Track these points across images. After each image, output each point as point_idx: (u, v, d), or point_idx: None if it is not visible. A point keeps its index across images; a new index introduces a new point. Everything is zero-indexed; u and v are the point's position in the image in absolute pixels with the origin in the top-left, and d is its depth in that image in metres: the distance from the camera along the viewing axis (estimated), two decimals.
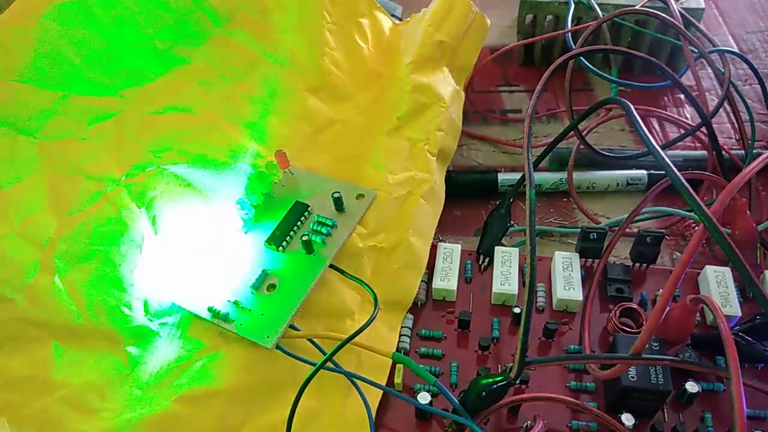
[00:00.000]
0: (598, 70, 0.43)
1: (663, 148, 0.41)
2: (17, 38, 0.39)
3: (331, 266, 0.34)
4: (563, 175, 0.43)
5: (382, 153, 0.39)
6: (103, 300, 0.33)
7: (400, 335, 0.34)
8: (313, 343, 0.32)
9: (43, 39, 0.39)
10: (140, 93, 0.41)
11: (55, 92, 0.39)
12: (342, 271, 0.33)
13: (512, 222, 0.40)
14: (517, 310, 0.34)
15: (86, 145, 0.38)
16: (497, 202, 0.40)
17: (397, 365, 0.32)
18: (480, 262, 0.38)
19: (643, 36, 0.49)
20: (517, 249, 0.37)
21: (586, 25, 0.45)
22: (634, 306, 0.33)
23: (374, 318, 0.30)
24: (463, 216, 0.43)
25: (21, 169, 0.37)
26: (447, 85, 0.42)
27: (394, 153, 0.39)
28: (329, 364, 0.30)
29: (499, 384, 0.28)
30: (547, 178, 0.43)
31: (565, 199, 0.43)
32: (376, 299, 0.31)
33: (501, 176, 0.43)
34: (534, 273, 0.26)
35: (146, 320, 0.33)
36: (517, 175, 0.43)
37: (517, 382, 0.28)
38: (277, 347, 0.31)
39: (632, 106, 0.31)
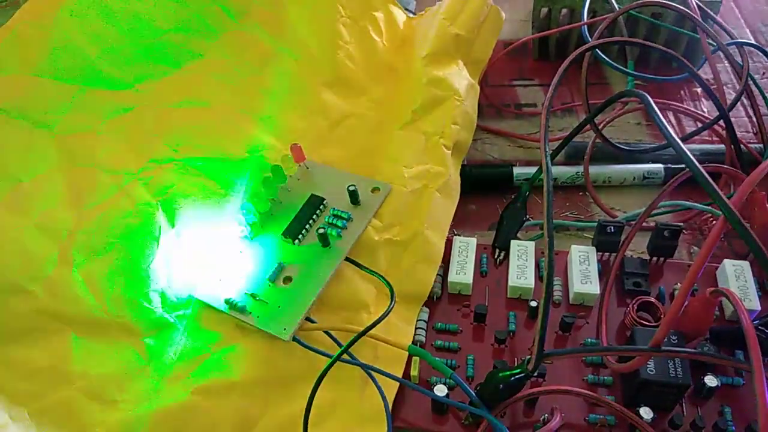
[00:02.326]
0: (614, 63, 0.43)
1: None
2: (34, 32, 0.39)
3: (347, 259, 0.34)
4: (579, 168, 0.42)
5: (397, 146, 0.39)
6: (121, 292, 0.33)
7: (416, 328, 0.34)
8: (330, 335, 0.32)
9: (60, 33, 0.39)
10: (156, 87, 0.41)
11: (72, 86, 0.39)
12: (358, 264, 0.33)
13: (528, 216, 0.40)
14: (533, 303, 0.34)
15: (103, 139, 0.38)
16: (512, 196, 0.40)
17: (414, 358, 0.32)
18: (496, 256, 0.37)
19: (660, 29, 0.48)
20: (533, 243, 0.37)
21: (603, 17, 0.44)
22: (652, 300, 0.33)
23: (391, 310, 0.30)
24: (478, 210, 0.43)
25: (39, 163, 0.37)
26: (462, 79, 0.42)
27: (409, 146, 0.39)
28: (345, 356, 0.30)
29: (517, 376, 0.27)
30: (563, 171, 0.43)
31: (581, 193, 0.43)
32: (392, 291, 0.31)
33: (516, 170, 0.43)
34: (552, 266, 0.26)
35: (164, 312, 0.33)
36: (533, 169, 0.43)
37: (535, 374, 0.28)
38: (294, 339, 0.31)
39: (650, 98, 0.31)
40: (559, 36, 0.52)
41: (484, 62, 0.45)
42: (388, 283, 0.32)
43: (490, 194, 0.43)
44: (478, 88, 0.44)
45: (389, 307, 0.31)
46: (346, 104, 0.43)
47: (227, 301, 0.32)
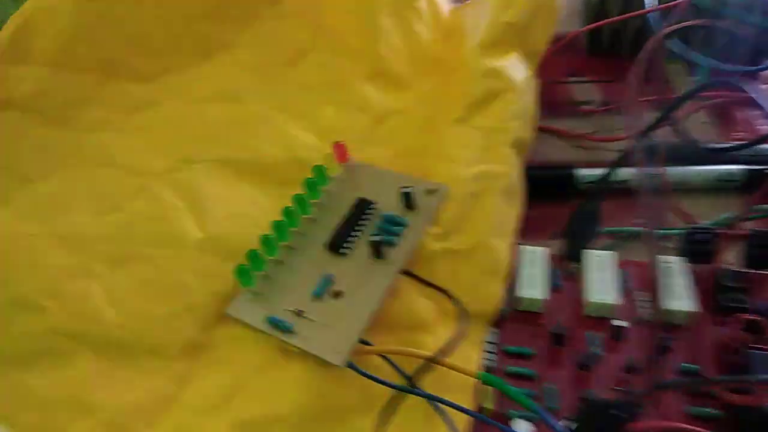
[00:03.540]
0: (693, 52, 0.38)
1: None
2: (50, 19, 0.35)
3: (404, 272, 0.29)
4: (652, 170, 0.38)
5: (451, 144, 0.35)
6: (147, 308, 0.29)
7: (484, 351, 0.30)
8: (388, 359, 0.28)
9: (79, 21, 0.35)
10: (184, 80, 0.37)
11: (91, 79, 0.36)
12: (418, 278, 0.29)
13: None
14: (618, 323, 0.29)
15: (126, 137, 0.34)
16: (576, 202, 0.36)
17: (485, 387, 0.28)
18: (568, 269, 0.33)
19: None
20: (613, 253, 0.32)
21: (673, 3, 0.40)
22: (757, 318, 0.28)
23: (464, 331, 0.26)
24: (536, 217, 0.38)
25: (54, 163, 0.33)
26: (520, 70, 0.38)
27: (464, 144, 0.35)
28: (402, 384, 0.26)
29: (624, 412, 0.23)
30: (634, 173, 0.38)
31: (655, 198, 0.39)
32: (464, 309, 0.27)
33: (580, 172, 0.39)
34: (658, 280, 0.22)
35: (197, 332, 0.29)
36: (596, 171, 0.39)
37: (642, 409, 0.23)
38: (349, 365, 0.26)
39: (752, 85, 0.27)
40: (613, 28, 0.48)
41: (540, 54, 0.41)
42: (458, 300, 0.27)
43: (546, 200, 0.39)
44: (536, 81, 0.40)
45: (461, 326, 0.26)
46: (390, 99, 0.39)
47: (269, 320, 0.28)
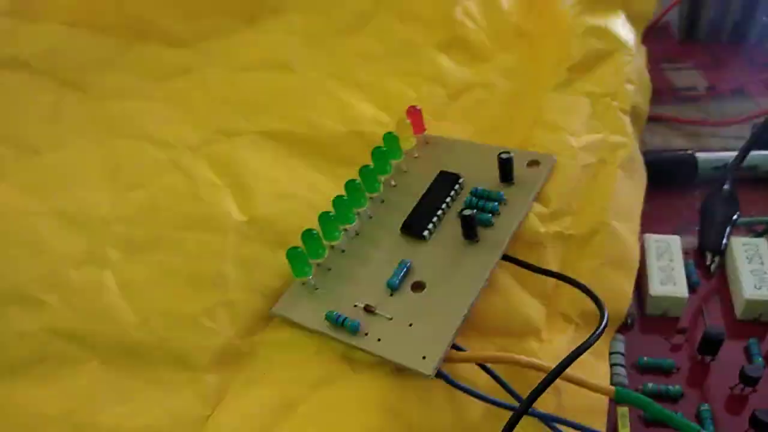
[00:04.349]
0: None
1: None
2: None
3: (507, 258, 0.22)
4: None
5: (554, 111, 0.28)
6: (172, 305, 0.22)
7: (612, 365, 0.22)
8: (488, 370, 0.20)
9: None
10: (225, 45, 0.32)
11: (115, 40, 0.30)
12: (528, 266, 0.22)
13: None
14: None
15: (153, 106, 0.29)
16: (697, 192, 0.30)
17: (619, 408, 0.20)
18: (709, 262, 0.26)
19: None
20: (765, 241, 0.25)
21: None
22: None
23: (601, 334, 0.19)
24: (656, 208, 0.31)
25: (66, 132, 0.27)
26: (628, 31, 0.32)
27: (570, 111, 0.28)
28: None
29: None
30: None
31: None
32: (601, 306, 0.20)
33: (702, 156, 0.32)
34: None
35: (234, 335, 0.22)
36: (722, 156, 0.32)
37: None
38: (439, 375, 0.19)
39: None
40: (712, 13, 0.42)
41: (647, 18, 0.35)
42: (594, 295, 0.20)
43: (663, 188, 0.32)
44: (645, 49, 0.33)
45: (598, 328, 0.19)
46: (469, 72, 0.33)
47: (329, 317, 0.21)
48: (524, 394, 0.19)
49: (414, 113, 0.27)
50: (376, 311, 0.21)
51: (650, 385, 0.22)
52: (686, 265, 0.26)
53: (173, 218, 0.25)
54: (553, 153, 0.26)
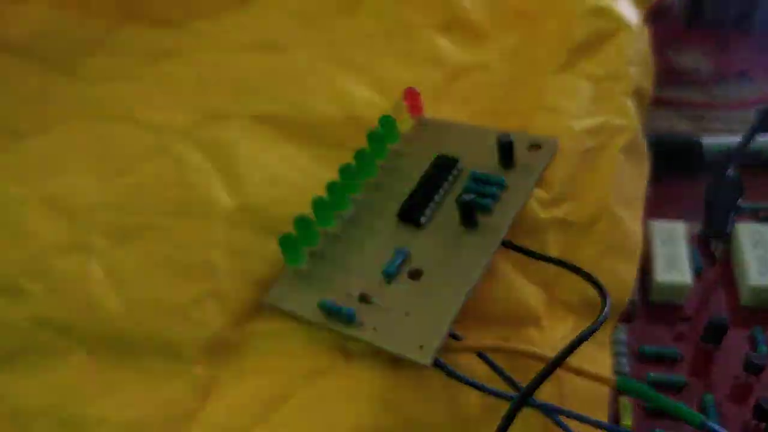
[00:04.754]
0: None
1: None
2: None
3: (506, 244, 0.22)
4: None
5: (555, 94, 0.28)
6: (160, 294, 0.22)
7: (614, 354, 0.22)
8: (486, 359, 0.20)
9: None
10: (215, 25, 0.31)
11: (103, 22, 0.29)
12: (529, 252, 0.21)
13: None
14: None
15: (143, 87, 0.28)
16: (702, 177, 0.29)
17: (621, 399, 0.20)
18: (714, 248, 0.25)
19: None
20: None
21: None
22: None
23: (605, 319, 0.18)
24: (659, 193, 0.30)
25: (52, 115, 0.26)
26: (632, 11, 0.31)
27: (571, 94, 0.27)
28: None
29: None
30: None
31: None
32: (604, 293, 0.19)
33: (708, 140, 0.31)
34: None
35: (224, 325, 0.21)
36: (728, 139, 0.31)
37: None
38: (437, 364, 0.19)
39: None
40: None
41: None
42: (597, 281, 0.20)
43: (666, 173, 0.31)
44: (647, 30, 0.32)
45: (600, 316, 0.18)
46: (467, 54, 0.32)
47: (322, 306, 0.20)
48: (524, 384, 0.18)
49: (412, 95, 0.26)
50: (372, 300, 0.20)
51: (653, 374, 0.22)
52: (691, 251, 0.25)
53: (161, 205, 0.24)
54: (554, 136, 0.25)
